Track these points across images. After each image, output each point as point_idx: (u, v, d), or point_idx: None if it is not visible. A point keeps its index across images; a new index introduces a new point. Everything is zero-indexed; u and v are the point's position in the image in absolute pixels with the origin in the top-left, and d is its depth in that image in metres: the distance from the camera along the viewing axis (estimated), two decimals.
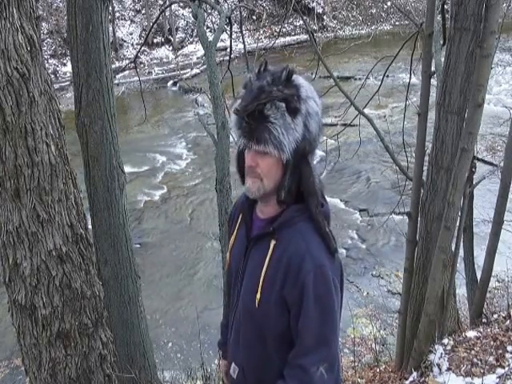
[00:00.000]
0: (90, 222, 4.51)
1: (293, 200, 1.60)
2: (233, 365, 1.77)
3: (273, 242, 1.59)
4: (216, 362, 6.88)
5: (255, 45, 21.55)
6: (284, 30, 27.78)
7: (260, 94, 1.51)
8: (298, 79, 1.57)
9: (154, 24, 22.82)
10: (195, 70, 24.98)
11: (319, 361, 1.55)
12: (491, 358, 3.67)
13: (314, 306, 1.52)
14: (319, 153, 13.37)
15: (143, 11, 28.75)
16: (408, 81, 5.99)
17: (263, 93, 1.51)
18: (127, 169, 4.75)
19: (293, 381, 1.57)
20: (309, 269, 1.52)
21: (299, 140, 1.52)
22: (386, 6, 30.03)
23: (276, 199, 1.60)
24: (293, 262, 1.54)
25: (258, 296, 1.59)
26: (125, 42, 27.65)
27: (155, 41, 27.87)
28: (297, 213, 1.60)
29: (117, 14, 27.80)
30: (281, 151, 1.52)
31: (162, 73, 25.37)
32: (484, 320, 4.79)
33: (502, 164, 5.34)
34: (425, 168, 4.19)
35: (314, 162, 1.64)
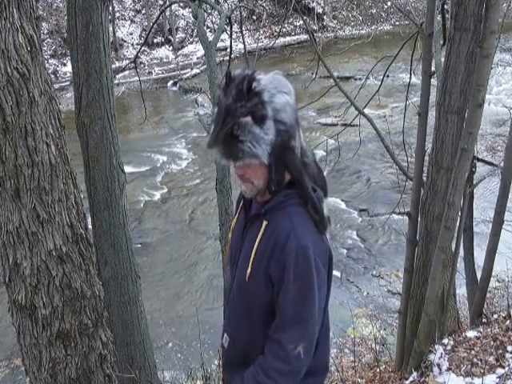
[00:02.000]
0: (90, 222, 4.52)
1: (283, 186, 1.74)
2: (225, 335, 1.90)
3: (264, 223, 1.73)
4: (216, 362, 6.88)
5: (255, 45, 21.57)
6: (284, 29, 27.78)
7: (226, 118, 1.60)
8: (260, 83, 1.63)
9: (154, 24, 22.82)
10: (195, 70, 24.98)
11: (297, 339, 1.68)
12: (491, 358, 3.67)
13: (293, 285, 1.65)
14: (319, 152, 13.42)
15: (143, 11, 28.75)
16: (408, 81, 5.99)
17: (229, 115, 1.60)
18: (127, 169, 4.76)
19: (269, 354, 1.72)
20: (291, 249, 1.65)
21: (273, 140, 1.63)
22: (386, 6, 30.04)
23: (268, 191, 1.75)
24: (278, 242, 1.67)
25: (249, 270, 1.72)
26: (125, 41, 27.65)
27: (155, 41, 27.87)
28: (285, 197, 1.73)
29: (117, 14, 27.81)
30: (259, 159, 1.64)
31: (162, 73, 25.37)
32: (484, 320, 4.79)
33: (502, 164, 5.35)
34: (425, 168, 4.19)
35: (303, 143, 1.78)
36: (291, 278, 1.64)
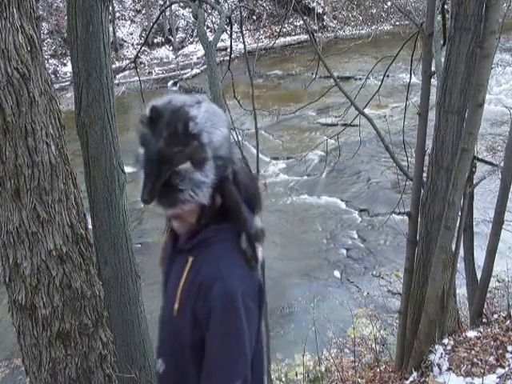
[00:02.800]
0: (90, 222, 4.51)
1: (212, 220, 1.58)
2: (159, 360, 1.78)
3: (191, 259, 1.59)
4: None
5: (255, 45, 21.56)
6: (284, 30, 27.78)
7: (161, 166, 1.42)
8: (196, 122, 1.44)
9: (154, 24, 22.82)
10: (195, 70, 24.97)
11: (228, 380, 1.55)
12: (491, 358, 3.67)
13: (219, 329, 1.53)
14: (319, 153, 13.42)
15: (143, 11, 28.75)
16: (408, 81, 5.99)
17: (164, 163, 1.42)
18: (127, 169, 4.75)
19: None
20: (218, 294, 1.51)
21: (214, 180, 1.48)
22: (386, 6, 30.03)
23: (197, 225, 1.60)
24: (204, 284, 1.53)
25: (176, 306, 1.59)
26: (125, 42, 27.66)
27: (155, 41, 27.87)
28: (215, 232, 1.58)
29: (117, 14, 27.81)
30: (200, 203, 1.50)
31: (163, 73, 25.37)
32: (484, 320, 4.79)
33: (502, 164, 5.35)
34: (425, 168, 4.19)
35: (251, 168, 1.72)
36: (218, 323, 1.52)
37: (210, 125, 1.46)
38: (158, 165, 1.42)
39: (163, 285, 1.78)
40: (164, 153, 1.41)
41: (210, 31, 19.28)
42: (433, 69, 4.76)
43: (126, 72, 21.93)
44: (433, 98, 4.30)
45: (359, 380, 4.89)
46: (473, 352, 3.83)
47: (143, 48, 25.86)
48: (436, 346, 3.97)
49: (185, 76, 24.67)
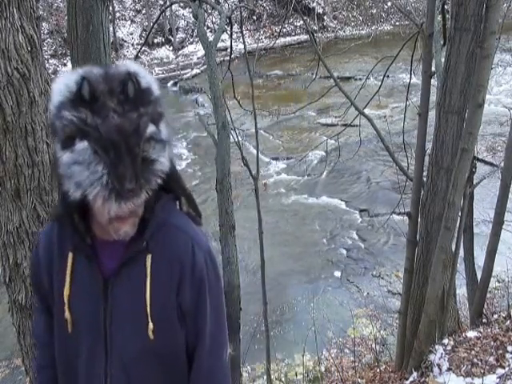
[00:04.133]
0: None
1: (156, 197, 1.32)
2: None
3: (149, 257, 1.33)
4: None
5: (256, 45, 21.56)
6: (284, 30, 27.81)
7: (129, 143, 1.13)
8: (141, 75, 1.19)
9: (154, 24, 22.84)
10: (195, 70, 25.00)
11: (224, 351, 1.48)
12: (491, 359, 3.67)
13: (213, 295, 1.40)
14: (319, 153, 13.42)
15: (143, 11, 28.77)
16: (408, 81, 5.99)
17: (130, 137, 1.13)
18: None
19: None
20: (201, 259, 1.36)
21: (168, 137, 1.25)
22: (386, 7, 30.03)
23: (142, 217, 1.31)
24: (185, 260, 1.34)
25: (151, 325, 1.33)
26: (125, 42, 27.68)
27: (155, 41, 27.89)
28: (163, 210, 1.35)
29: (117, 14, 27.83)
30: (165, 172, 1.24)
31: (163, 73, 25.39)
32: (484, 320, 4.79)
33: (502, 164, 5.35)
34: (425, 168, 4.19)
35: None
36: (212, 286, 1.39)
37: (151, 76, 1.23)
38: (124, 143, 1.12)
39: (82, 327, 1.39)
40: (124, 126, 1.12)
41: (210, 31, 19.28)
42: (433, 69, 4.76)
43: None
44: (433, 98, 4.30)
45: (359, 380, 4.89)
46: (473, 352, 3.83)
47: (143, 48, 25.89)
48: (436, 346, 3.97)
49: (185, 76, 24.70)
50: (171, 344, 1.40)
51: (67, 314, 1.37)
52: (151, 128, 1.18)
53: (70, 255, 1.36)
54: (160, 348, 1.38)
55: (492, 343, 3.90)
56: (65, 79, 1.17)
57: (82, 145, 1.13)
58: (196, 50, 27.41)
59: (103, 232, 1.32)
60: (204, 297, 1.38)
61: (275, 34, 25.76)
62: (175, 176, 1.39)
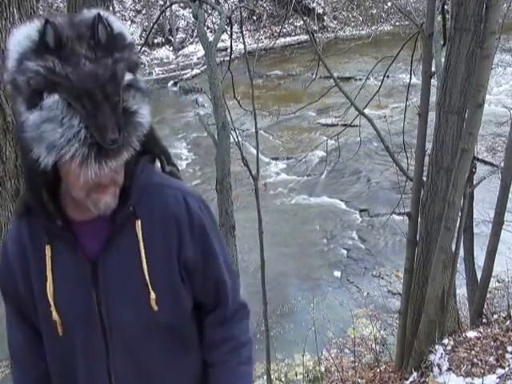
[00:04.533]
0: None
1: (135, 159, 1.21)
2: None
3: (138, 223, 1.21)
4: None
5: (256, 45, 21.56)
6: (284, 30, 27.81)
7: (106, 90, 0.99)
8: (111, 20, 1.05)
9: (154, 24, 22.84)
10: (196, 71, 25.00)
11: (239, 293, 1.39)
12: (491, 359, 3.67)
13: (216, 245, 1.30)
14: (319, 153, 13.41)
15: (144, 11, 28.79)
16: (408, 81, 6.00)
17: (106, 84, 0.99)
18: None
19: (241, 352, 1.35)
20: (195, 208, 1.25)
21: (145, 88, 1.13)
22: (386, 7, 30.04)
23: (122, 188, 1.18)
24: (180, 215, 1.23)
25: (153, 295, 1.21)
26: None
27: (156, 41, 27.90)
28: (144, 173, 1.24)
29: (117, 15, 27.80)
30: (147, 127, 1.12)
31: (163, 73, 25.40)
32: (484, 320, 4.79)
33: (502, 164, 5.35)
34: (425, 168, 4.19)
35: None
36: (213, 235, 1.29)
37: (121, 22, 1.09)
38: (101, 91, 0.98)
39: (71, 323, 1.24)
40: (99, 73, 0.98)
41: (210, 31, 19.28)
42: (433, 69, 4.76)
43: None
44: (433, 98, 4.30)
45: (359, 380, 4.89)
46: (473, 352, 3.83)
47: (143, 48, 25.85)
48: (436, 347, 3.97)
49: (185, 76, 24.70)
50: (178, 312, 1.28)
51: (55, 315, 1.22)
52: (129, 75, 1.04)
53: (48, 248, 1.21)
54: (166, 319, 1.26)
55: (492, 343, 3.90)
56: (24, 29, 1.02)
57: (52, 99, 0.98)
58: (196, 50, 27.41)
59: (79, 211, 1.20)
60: (211, 243, 1.28)
61: (275, 34, 25.76)
62: (153, 133, 1.26)
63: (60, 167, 1.09)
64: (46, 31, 0.98)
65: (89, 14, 1.04)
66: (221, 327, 1.34)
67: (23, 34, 1.02)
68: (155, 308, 1.22)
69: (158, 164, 1.34)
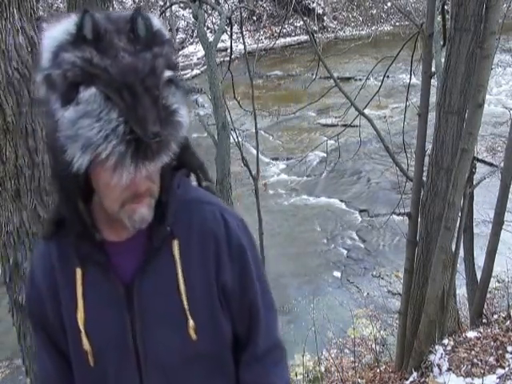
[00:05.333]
0: None
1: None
2: None
3: (175, 243, 1.14)
4: None
5: (255, 45, 21.56)
6: (284, 30, 27.79)
7: (146, 82, 0.94)
8: (152, 18, 1.01)
9: None
10: (196, 71, 24.98)
11: (277, 325, 1.30)
12: (491, 359, 3.67)
13: (253, 268, 1.22)
14: (319, 153, 13.41)
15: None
16: (408, 81, 6.00)
17: (146, 77, 0.94)
18: None
19: (275, 372, 1.27)
20: (234, 227, 1.19)
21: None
22: (386, 7, 30.03)
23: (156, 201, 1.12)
24: (218, 236, 1.16)
25: (191, 323, 1.13)
26: None
27: None
28: (180, 187, 1.18)
29: None
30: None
31: None
32: (484, 320, 4.79)
33: (502, 165, 5.35)
34: (425, 168, 4.20)
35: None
36: (252, 256, 1.22)
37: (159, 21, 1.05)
38: (141, 84, 0.94)
39: (100, 351, 1.15)
40: (138, 66, 0.94)
41: (210, 32, 19.29)
42: (433, 69, 4.76)
43: None
44: (433, 98, 4.30)
45: (359, 380, 4.89)
46: (473, 352, 3.83)
47: None
48: (436, 347, 3.97)
49: (185, 76, 24.67)
50: (217, 340, 1.20)
51: (86, 344, 1.14)
52: (169, 72, 0.99)
53: (79, 271, 1.13)
54: (204, 347, 1.18)
55: (492, 343, 3.90)
56: (60, 25, 0.98)
57: (89, 92, 0.93)
58: (196, 50, 27.38)
59: (112, 230, 1.14)
60: (248, 266, 1.20)
61: (275, 34, 25.76)
62: (189, 146, 1.19)
63: (93, 172, 1.02)
64: (84, 22, 0.94)
65: (127, 11, 1.01)
66: (252, 369, 1.25)
67: (59, 30, 0.98)
68: (194, 337, 1.14)
69: (194, 179, 1.28)
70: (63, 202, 1.12)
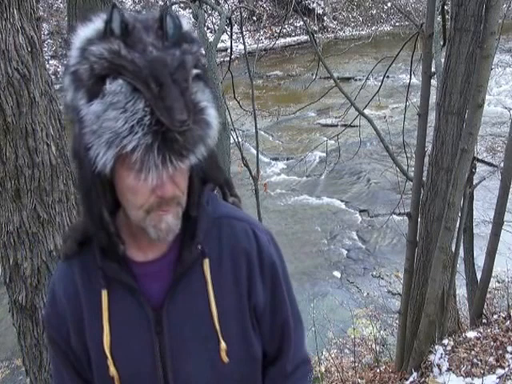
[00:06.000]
0: None
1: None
2: None
3: (206, 262, 1.08)
4: None
5: (255, 45, 21.56)
6: (284, 30, 27.80)
7: (175, 75, 0.91)
8: (181, 21, 0.99)
9: None
10: (195, 71, 24.96)
11: (306, 360, 1.27)
12: (491, 359, 3.67)
13: (284, 287, 1.19)
14: (319, 153, 13.40)
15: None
16: (408, 81, 6.00)
17: (175, 69, 0.91)
18: None
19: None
20: (267, 245, 1.15)
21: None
22: (386, 7, 30.04)
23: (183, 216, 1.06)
24: (250, 253, 1.12)
25: (223, 345, 1.08)
26: None
27: None
28: (210, 205, 1.14)
29: None
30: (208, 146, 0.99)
31: None
32: (484, 320, 4.79)
33: (502, 165, 5.35)
34: (425, 168, 4.20)
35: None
36: (282, 274, 1.18)
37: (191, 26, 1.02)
38: (169, 76, 0.91)
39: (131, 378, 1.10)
40: (167, 60, 0.91)
41: (211, 32, 19.29)
42: (433, 69, 4.76)
43: None
44: (433, 98, 4.30)
45: (359, 380, 4.89)
46: (473, 352, 3.83)
47: None
48: (436, 347, 3.97)
49: None
50: (248, 362, 1.15)
51: (113, 370, 1.07)
52: (196, 71, 0.96)
53: (104, 293, 1.07)
54: (236, 370, 1.13)
55: (492, 343, 3.90)
56: (90, 24, 0.98)
57: (115, 83, 0.90)
58: None
59: (139, 249, 1.09)
60: (279, 285, 1.16)
61: (275, 34, 25.76)
62: (216, 160, 1.16)
63: (117, 176, 0.98)
64: (113, 17, 0.92)
65: (154, 12, 1.00)
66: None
67: (88, 28, 0.97)
68: (225, 360, 1.10)
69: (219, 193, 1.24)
70: (88, 210, 1.07)
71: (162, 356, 1.09)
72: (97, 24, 0.96)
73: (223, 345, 1.08)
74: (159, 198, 0.97)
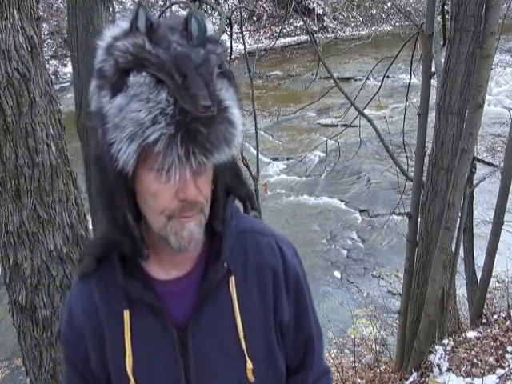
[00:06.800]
0: (90, 223, 4.51)
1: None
2: None
3: (232, 280, 1.05)
4: None
5: (256, 45, 21.56)
6: (284, 30, 27.79)
7: (199, 69, 0.90)
8: (205, 24, 1.00)
9: None
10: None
11: (327, 371, 1.27)
12: (491, 359, 3.67)
13: (308, 300, 1.18)
14: (319, 153, 13.41)
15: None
16: (408, 81, 6.00)
17: (199, 65, 0.90)
18: None
19: None
20: (290, 257, 1.13)
21: None
22: (386, 7, 30.04)
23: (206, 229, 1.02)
24: (276, 267, 1.10)
25: (250, 365, 1.05)
26: None
27: None
28: (234, 219, 1.11)
29: (117, 15, 27.84)
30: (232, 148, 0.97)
31: None
32: (484, 320, 4.79)
33: (502, 165, 5.35)
34: (425, 168, 4.20)
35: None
36: (305, 287, 1.17)
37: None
38: (194, 69, 0.90)
39: None
40: (191, 55, 0.91)
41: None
42: (433, 69, 4.76)
43: None
44: (433, 98, 4.30)
45: (359, 380, 4.89)
46: (473, 352, 3.83)
47: None
48: (436, 347, 3.97)
49: None
50: (274, 378, 1.13)
51: (130, 377, 1.03)
52: (219, 70, 0.95)
53: (126, 313, 1.03)
54: None
55: (492, 343, 3.90)
56: (116, 25, 0.99)
57: (139, 76, 0.89)
58: None
59: (162, 267, 1.06)
60: (304, 299, 1.15)
61: (275, 34, 25.76)
62: (238, 172, 1.14)
63: (139, 178, 0.95)
64: (139, 15, 0.94)
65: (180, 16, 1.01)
66: None
67: (115, 28, 0.98)
68: (252, 379, 1.06)
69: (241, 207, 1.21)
70: (111, 215, 1.02)
71: (187, 378, 1.06)
72: (122, 24, 0.97)
73: (250, 364, 1.06)
74: (181, 201, 0.94)
